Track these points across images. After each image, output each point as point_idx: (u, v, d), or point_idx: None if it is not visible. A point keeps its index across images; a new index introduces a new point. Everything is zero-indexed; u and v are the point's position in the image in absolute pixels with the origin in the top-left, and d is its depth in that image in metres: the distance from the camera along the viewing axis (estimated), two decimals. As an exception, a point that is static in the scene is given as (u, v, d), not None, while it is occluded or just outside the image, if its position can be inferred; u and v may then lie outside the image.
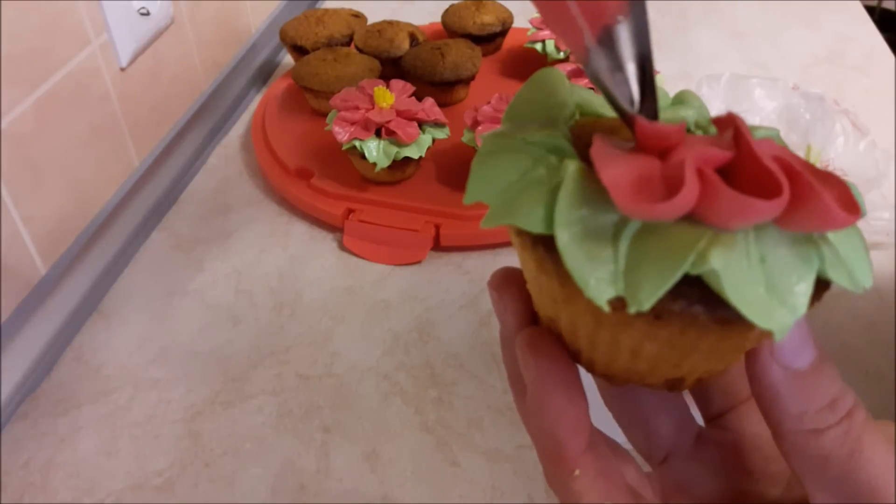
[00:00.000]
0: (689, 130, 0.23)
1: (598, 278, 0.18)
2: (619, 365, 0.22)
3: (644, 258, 0.18)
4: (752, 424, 0.26)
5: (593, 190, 0.19)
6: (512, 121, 0.23)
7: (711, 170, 0.18)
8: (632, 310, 0.18)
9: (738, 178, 0.18)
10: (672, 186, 0.18)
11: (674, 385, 0.23)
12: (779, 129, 0.23)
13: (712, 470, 0.26)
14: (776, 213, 0.18)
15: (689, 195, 0.18)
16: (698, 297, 0.19)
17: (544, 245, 0.20)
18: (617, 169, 0.18)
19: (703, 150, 0.18)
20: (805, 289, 0.19)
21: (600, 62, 0.20)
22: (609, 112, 0.23)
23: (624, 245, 0.19)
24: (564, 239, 0.19)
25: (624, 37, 0.19)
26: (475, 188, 0.21)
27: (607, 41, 0.20)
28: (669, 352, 0.21)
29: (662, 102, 0.23)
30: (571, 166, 0.20)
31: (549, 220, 0.19)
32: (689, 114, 0.23)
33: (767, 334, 0.20)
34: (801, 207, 0.18)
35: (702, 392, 0.28)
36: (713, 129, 0.23)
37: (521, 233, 0.20)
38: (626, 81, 0.20)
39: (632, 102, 0.20)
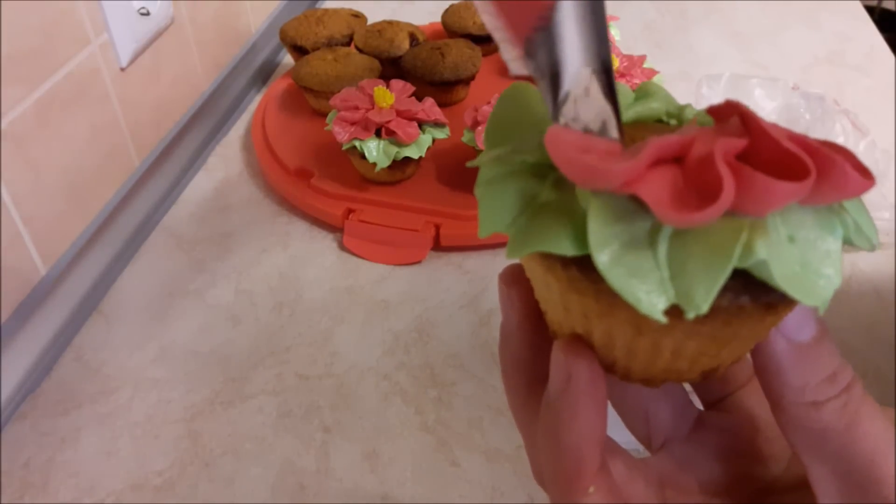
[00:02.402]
0: (660, 121, 0.23)
1: (648, 291, 0.18)
2: (658, 367, 0.22)
3: (688, 260, 0.18)
4: (752, 407, 0.26)
5: (616, 202, 0.19)
6: (494, 142, 0.23)
7: (736, 160, 0.18)
8: (690, 316, 0.18)
9: (759, 164, 0.18)
10: (706, 184, 0.18)
11: (709, 375, 0.23)
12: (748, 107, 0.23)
13: (712, 453, 0.26)
14: (807, 192, 0.18)
15: (730, 192, 0.17)
16: (742, 286, 0.19)
17: (577, 265, 0.19)
18: (651, 184, 0.18)
19: (724, 142, 0.18)
20: (836, 259, 0.19)
21: (532, 70, 0.20)
22: None
23: (663, 250, 0.19)
24: (605, 259, 0.18)
25: (542, 49, 0.19)
26: (488, 220, 0.21)
27: (532, 53, 0.20)
28: (710, 345, 0.21)
29: (624, 100, 0.23)
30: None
31: (579, 240, 0.19)
32: (656, 106, 0.23)
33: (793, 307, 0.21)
34: (824, 181, 0.18)
35: None
36: (687, 117, 0.23)
37: (548, 257, 0.20)
38: (546, 90, 0.20)
39: (552, 115, 0.20)
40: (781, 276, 0.18)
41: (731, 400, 0.27)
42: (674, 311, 0.18)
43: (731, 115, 0.20)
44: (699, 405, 0.28)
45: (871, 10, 1.27)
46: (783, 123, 0.67)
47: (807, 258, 0.19)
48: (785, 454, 0.26)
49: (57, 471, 0.50)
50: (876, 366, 0.55)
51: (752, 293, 0.19)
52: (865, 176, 0.18)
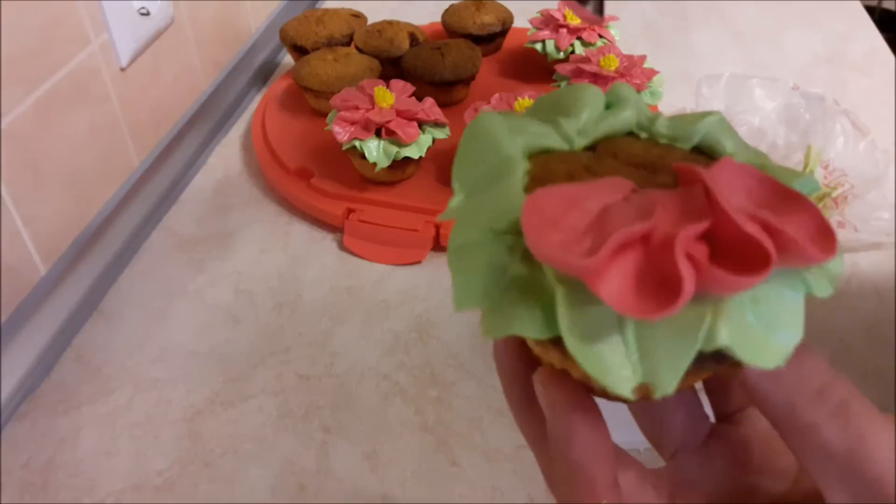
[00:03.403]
0: (631, 134, 0.23)
1: (617, 375, 0.19)
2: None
3: (655, 343, 0.19)
4: (762, 421, 0.26)
5: (583, 285, 0.19)
6: (462, 183, 0.23)
7: (701, 251, 0.18)
8: (657, 396, 0.19)
9: (720, 244, 0.19)
10: (667, 275, 0.18)
11: (686, 388, 0.24)
12: (720, 112, 0.23)
13: (722, 465, 0.26)
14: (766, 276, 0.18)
15: (689, 289, 0.18)
16: (708, 354, 0.19)
17: (550, 340, 0.20)
18: (611, 280, 0.18)
19: (685, 231, 0.18)
20: (798, 316, 0.20)
21: None
22: (555, 144, 0.23)
23: (630, 332, 0.19)
24: (575, 345, 0.19)
25: None
26: (461, 294, 0.21)
27: None
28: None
29: (596, 108, 0.23)
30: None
31: (549, 322, 0.19)
32: (627, 116, 0.23)
33: None
34: (785, 258, 0.19)
35: (715, 390, 0.28)
36: (658, 129, 0.23)
37: None
38: None
39: None
40: (745, 351, 0.19)
41: (742, 413, 0.27)
42: (646, 388, 0.19)
43: (695, 182, 0.20)
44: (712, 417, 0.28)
45: (871, 10, 1.27)
46: (783, 123, 0.67)
47: (770, 319, 0.20)
48: (792, 469, 0.26)
49: (57, 471, 0.50)
50: (876, 366, 0.55)
51: (717, 358, 0.19)
52: (825, 247, 0.19)
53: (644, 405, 0.28)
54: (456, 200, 0.23)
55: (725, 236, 0.19)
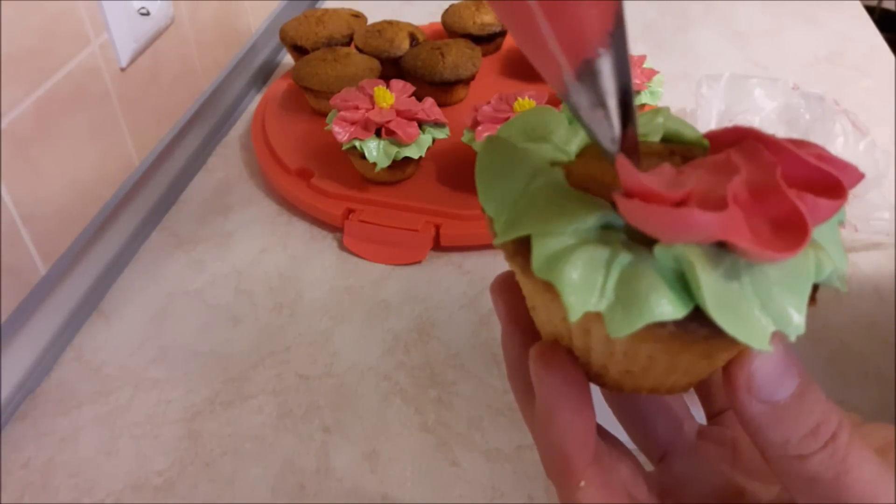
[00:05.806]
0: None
1: (753, 328, 0.19)
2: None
3: (771, 287, 0.19)
4: None
5: (703, 250, 0.19)
6: (499, 204, 0.22)
7: (765, 224, 0.19)
8: (792, 338, 0.19)
9: (795, 183, 0.19)
10: (781, 219, 0.19)
11: (673, 390, 0.23)
12: (668, 107, 0.24)
13: (711, 467, 0.26)
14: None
15: (810, 221, 0.18)
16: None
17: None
18: (744, 230, 0.18)
19: (779, 176, 0.19)
20: (840, 246, 0.21)
21: (580, 98, 0.19)
22: (555, 156, 0.23)
23: (747, 284, 0.19)
24: (717, 309, 0.18)
25: (605, 71, 0.19)
26: (575, 300, 0.20)
27: (587, 76, 0.19)
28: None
29: (564, 128, 0.24)
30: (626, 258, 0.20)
31: (678, 299, 0.19)
32: (578, 140, 0.23)
33: None
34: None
35: (704, 389, 0.28)
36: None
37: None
38: (607, 118, 0.19)
39: (613, 140, 0.20)
40: (841, 278, 0.20)
41: (731, 413, 0.27)
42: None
43: (734, 142, 0.20)
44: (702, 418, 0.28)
45: (871, 10, 1.27)
46: (783, 123, 0.67)
47: (836, 248, 0.21)
48: None
49: (57, 471, 0.50)
50: (876, 366, 0.55)
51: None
52: (849, 166, 0.20)
53: (626, 408, 0.28)
54: (503, 221, 0.22)
55: (795, 176, 0.19)
